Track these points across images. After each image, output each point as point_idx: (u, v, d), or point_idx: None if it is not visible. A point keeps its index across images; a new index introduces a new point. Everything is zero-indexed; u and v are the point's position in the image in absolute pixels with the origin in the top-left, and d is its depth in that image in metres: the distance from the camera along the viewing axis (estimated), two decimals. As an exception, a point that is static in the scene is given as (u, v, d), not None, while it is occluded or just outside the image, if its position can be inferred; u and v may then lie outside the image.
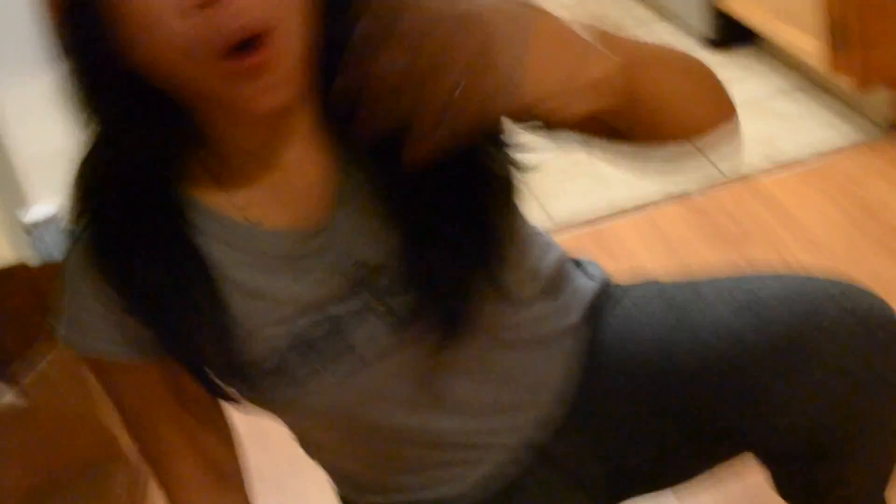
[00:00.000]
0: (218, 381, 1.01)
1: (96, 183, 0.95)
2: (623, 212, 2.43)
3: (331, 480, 1.23)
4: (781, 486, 1.16)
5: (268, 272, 0.97)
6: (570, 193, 2.52)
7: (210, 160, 0.96)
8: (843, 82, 2.44)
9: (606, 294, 1.20)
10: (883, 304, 1.03)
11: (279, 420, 1.10)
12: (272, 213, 0.97)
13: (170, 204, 0.96)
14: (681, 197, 2.43)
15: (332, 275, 0.98)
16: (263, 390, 1.01)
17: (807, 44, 2.49)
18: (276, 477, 1.85)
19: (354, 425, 1.06)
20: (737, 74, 2.84)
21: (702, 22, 3.01)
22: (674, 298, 1.14)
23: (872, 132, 2.50)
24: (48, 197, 2.57)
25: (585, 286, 1.19)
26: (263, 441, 1.63)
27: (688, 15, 3.13)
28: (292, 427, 1.16)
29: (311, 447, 1.18)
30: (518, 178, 0.99)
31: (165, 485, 1.09)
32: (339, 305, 0.98)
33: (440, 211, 0.94)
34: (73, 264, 0.98)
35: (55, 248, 2.09)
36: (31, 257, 1.97)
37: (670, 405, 1.10)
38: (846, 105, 2.62)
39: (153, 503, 1.91)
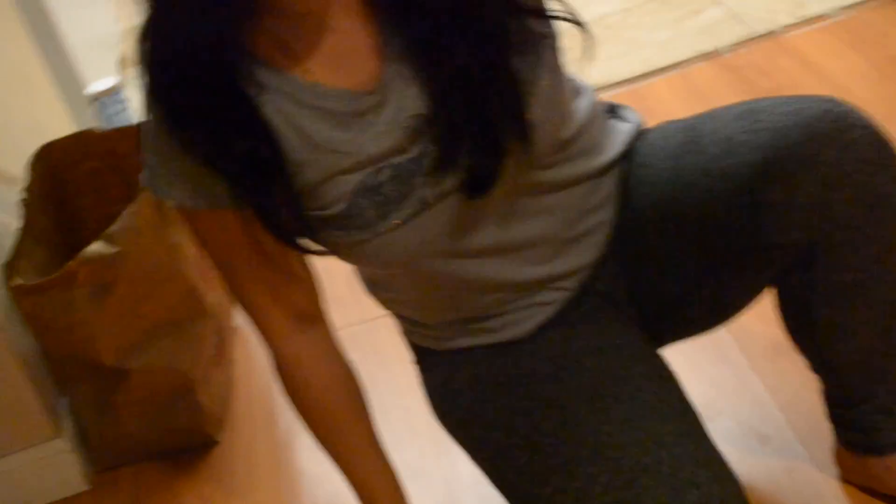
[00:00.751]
0: (289, 230, 1.07)
1: (163, 48, 1.00)
2: (657, 70, 2.51)
3: (398, 324, 1.32)
4: (789, 319, 1.24)
5: (334, 127, 1.05)
6: (604, 57, 2.60)
7: (272, 25, 1.03)
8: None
9: (640, 134, 1.27)
10: (869, 124, 1.09)
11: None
12: (332, 74, 1.05)
13: (234, 65, 1.02)
14: (712, 55, 2.50)
15: (392, 128, 1.05)
16: (334, 236, 1.08)
17: None
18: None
19: (420, 270, 1.14)
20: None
21: None
22: (688, 122, 1.22)
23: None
24: (104, 74, 2.65)
25: (620, 128, 1.26)
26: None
27: None
28: (362, 273, 1.26)
29: (380, 292, 1.27)
30: (552, 31, 1.08)
31: (257, 329, 1.17)
32: (401, 155, 1.06)
33: (473, 57, 1.02)
34: (150, 123, 1.05)
35: (117, 117, 2.16)
36: (96, 127, 2.06)
37: (689, 230, 1.17)
38: None
39: (234, 356, 2.03)
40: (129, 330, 1.71)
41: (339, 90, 1.05)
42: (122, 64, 3.20)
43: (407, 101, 1.05)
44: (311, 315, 1.18)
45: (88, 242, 1.65)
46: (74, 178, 1.93)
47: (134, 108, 2.21)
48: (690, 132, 1.19)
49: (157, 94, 1.02)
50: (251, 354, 2.04)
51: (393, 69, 1.05)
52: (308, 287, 1.18)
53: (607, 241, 1.23)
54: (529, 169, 1.11)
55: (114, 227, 1.66)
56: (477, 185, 1.06)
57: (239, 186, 1.05)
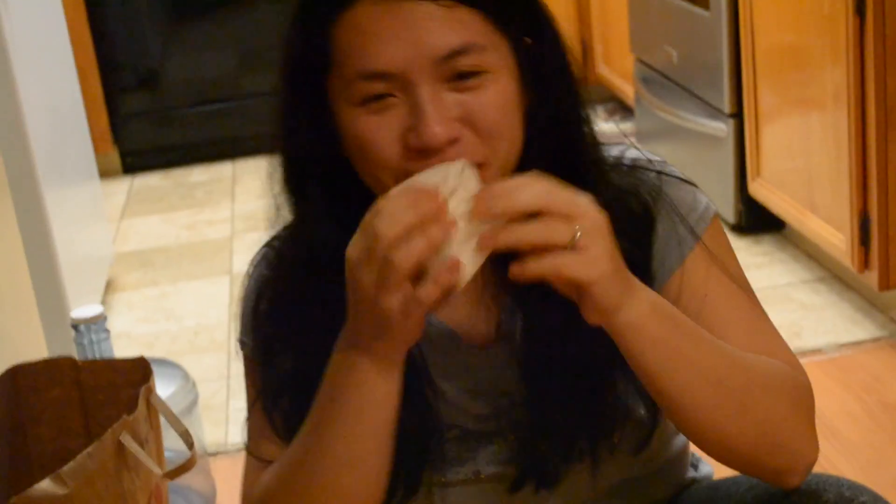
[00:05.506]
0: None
1: (295, 256, 1.09)
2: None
3: None
4: None
5: (437, 373, 1.09)
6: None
7: None
8: (867, 278, 2.52)
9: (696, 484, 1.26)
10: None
11: None
12: (451, 312, 1.09)
13: None
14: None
15: (479, 395, 1.09)
16: None
17: (833, 236, 2.58)
18: None
19: None
20: (761, 260, 2.92)
21: (730, 206, 3.10)
22: (715, 482, 1.23)
23: (894, 331, 2.56)
24: (89, 296, 2.62)
25: (685, 476, 1.26)
26: None
27: (717, 198, 3.23)
28: None
29: None
30: None
31: None
32: (477, 422, 1.09)
33: (583, 372, 1.05)
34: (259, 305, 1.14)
35: (95, 346, 2.12)
36: (75, 354, 2.00)
37: None
38: (869, 301, 2.69)
39: None
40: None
41: (455, 337, 1.09)
42: (109, 289, 3.18)
43: (503, 378, 1.09)
44: None
45: (38, 475, 1.57)
46: (37, 405, 1.86)
47: (113, 340, 2.17)
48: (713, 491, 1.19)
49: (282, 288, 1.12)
50: None
51: (504, 342, 1.09)
52: None
53: None
54: (590, 480, 1.12)
55: (67, 468, 1.58)
56: (536, 480, 1.09)
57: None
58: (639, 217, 1.08)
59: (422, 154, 0.98)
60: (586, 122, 1.08)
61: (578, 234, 0.90)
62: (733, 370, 1.00)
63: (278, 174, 1.10)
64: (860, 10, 2.34)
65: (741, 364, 1.01)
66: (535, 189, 0.91)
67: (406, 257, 0.90)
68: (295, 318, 1.09)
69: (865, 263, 2.48)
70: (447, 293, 0.91)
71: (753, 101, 2.92)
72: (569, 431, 1.08)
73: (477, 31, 1.00)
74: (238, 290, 1.21)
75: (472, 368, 1.10)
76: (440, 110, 0.98)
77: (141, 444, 1.55)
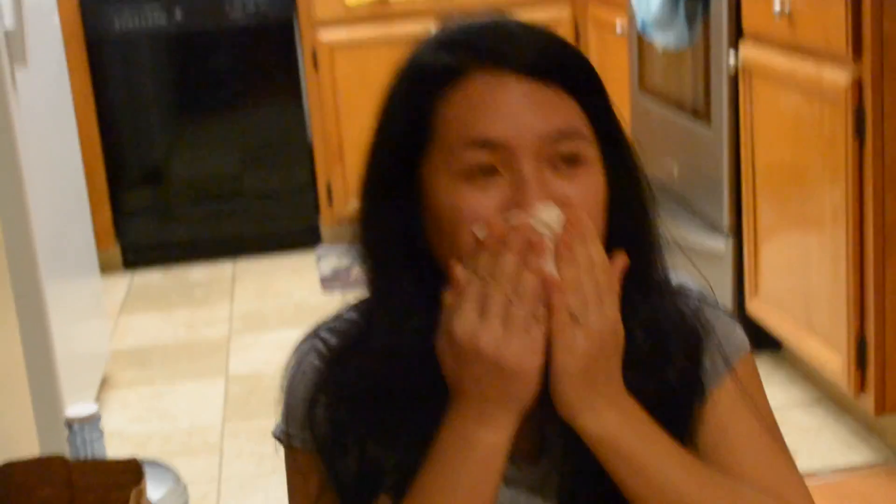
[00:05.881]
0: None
1: (372, 346, 1.08)
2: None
3: None
4: None
5: None
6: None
7: None
8: (863, 401, 2.51)
9: None
10: None
11: None
12: None
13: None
14: None
15: None
16: None
17: (830, 359, 2.57)
18: None
19: None
20: (758, 379, 2.91)
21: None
22: None
23: (890, 456, 2.55)
24: (86, 394, 2.61)
25: None
26: None
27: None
28: None
29: None
30: None
31: None
32: None
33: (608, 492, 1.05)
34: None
35: (89, 446, 2.11)
36: (67, 451, 1.99)
37: None
38: (865, 425, 2.67)
39: None
40: None
41: None
42: (104, 386, 3.17)
43: (542, 492, 1.10)
44: None
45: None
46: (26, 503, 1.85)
47: (106, 438, 2.16)
48: None
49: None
50: None
51: (545, 458, 1.10)
52: None
53: None
54: None
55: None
56: None
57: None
58: (690, 341, 1.10)
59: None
60: (657, 237, 1.11)
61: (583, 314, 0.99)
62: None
63: (360, 258, 1.11)
64: (860, 133, 2.37)
65: (718, 500, 1.04)
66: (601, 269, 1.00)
67: (525, 293, 0.97)
68: (380, 410, 1.07)
69: (862, 386, 2.48)
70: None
71: (752, 218, 2.94)
72: None
73: (577, 118, 1.04)
74: (281, 381, 1.17)
75: (511, 482, 1.09)
76: (543, 187, 1.01)
77: (130, 549, 1.54)
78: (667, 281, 1.12)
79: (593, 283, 0.99)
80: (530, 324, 0.98)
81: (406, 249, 1.07)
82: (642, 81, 3.60)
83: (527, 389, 1.00)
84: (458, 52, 1.04)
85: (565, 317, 0.98)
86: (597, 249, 1.01)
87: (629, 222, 1.08)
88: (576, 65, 1.06)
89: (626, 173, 1.09)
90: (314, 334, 1.16)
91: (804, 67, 2.58)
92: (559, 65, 1.04)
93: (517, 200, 1.01)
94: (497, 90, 1.02)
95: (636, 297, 1.06)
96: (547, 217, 1.00)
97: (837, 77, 2.42)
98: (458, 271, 1.00)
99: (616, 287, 1.01)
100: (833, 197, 2.49)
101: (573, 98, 1.04)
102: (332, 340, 1.13)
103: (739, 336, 1.15)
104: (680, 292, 1.14)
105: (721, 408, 1.09)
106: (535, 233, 0.99)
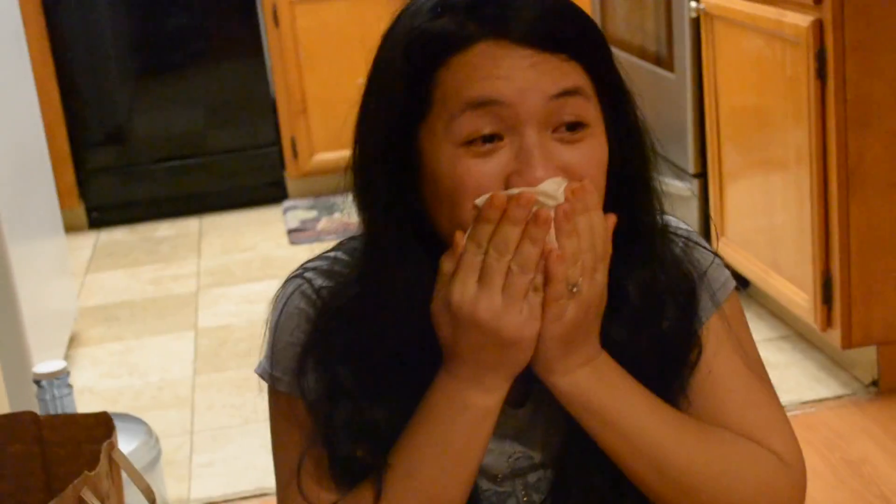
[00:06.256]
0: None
1: (361, 298, 1.06)
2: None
3: None
4: None
5: None
6: None
7: None
8: (830, 336, 2.54)
9: None
10: None
11: None
12: None
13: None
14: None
15: (500, 455, 1.10)
16: None
17: (797, 296, 2.60)
18: None
19: None
20: (725, 319, 2.93)
21: (695, 266, 3.12)
22: None
23: (857, 388, 2.59)
24: (52, 351, 2.59)
25: None
26: None
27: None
28: None
29: None
30: None
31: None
32: (492, 482, 1.10)
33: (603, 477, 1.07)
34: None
35: (58, 401, 2.10)
36: (37, 409, 1.98)
37: None
38: (832, 359, 2.71)
39: None
40: None
41: None
42: (73, 343, 3.16)
43: (527, 439, 1.10)
44: None
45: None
46: (-3, 460, 1.84)
47: (77, 395, 2.15)
48: None
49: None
50: None
51: (530, 407, 1.10)
52: None
53: None
54: None
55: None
56: None
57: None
58: (683, 288, 1.10)
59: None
60: (655, 188, 1.11)
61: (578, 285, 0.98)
62: (679, 455, 1.04)
63: (356, 210, 1.08)
64: (822, 74, 2.38)
65: (695, 449, 1.05)
66: (601, 239, 1.00)
67: (526, 263, 0.97)
68: (371, 366, 1.06)
69: (828, 322, 2.50)
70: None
71: (717, 161, 2.95)
72: (590, 496, 1.08)
73: (582, 80, 1.02)
74: (266, 323, 1.15)
75: (498, 425, 1.07)
76: (546, 156, 0.99)
77: (102, 500, 1.54)
78: (662, 228, 1.11)
79: (592, 255, 0.99)
80: (529, 294, 0.98)
81: (402, 212, 1.05)
82: (605, 29, 3.59)
83: (523, 356, 1.00)
84: (462, 20, 1.01)
85: (563, 287, 0.98)
86: (598, 218, 1.00)
87: (630, 175, 1.08)
88: (581, 32, 1.04)
89: (629, 130, 1.08)
90: (300, 273, 1.13)
91: (766, 11, 2.58)
92: (564, 34, 1.02)
93: (520, 170, 0.99)
94: (500, 56, 1.00)
95: (631, 252, 1.06)
96: (551, 189, 0.98)
97: (798, 20, 2.42)
98: (458, 237, 0.99)
99: (609, 251, 1.01)
100: (796, 138, 2.50)
101: (577, 62, 1.02)
102: (319, 281, 1.11)
103: (725, 274, 1.15)
104: (669, 234, 1.13)
105: (707, 347, 1.10)
106: (541, 205, 0.98)
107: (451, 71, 1.00)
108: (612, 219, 1.01)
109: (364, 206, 1.07)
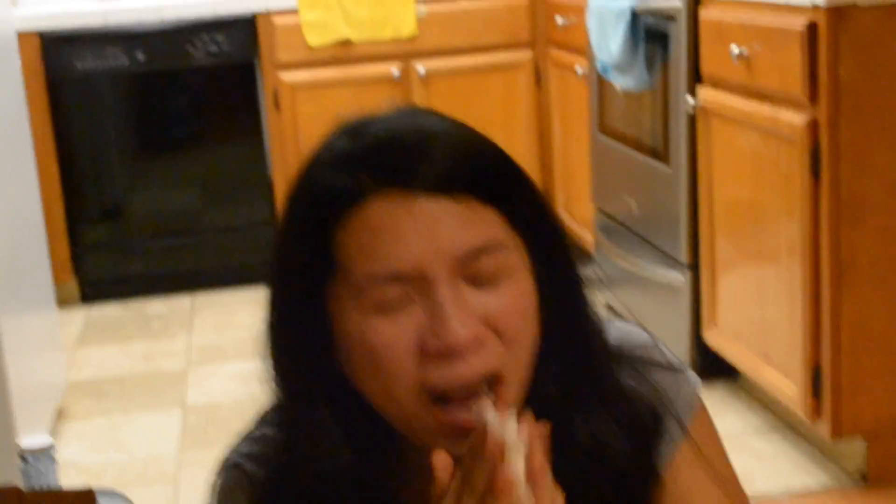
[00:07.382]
0: None
1: (298, 487, 1.00)
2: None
3: None
4: None
5: None
6: None
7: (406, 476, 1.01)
8: (819, 428, 2.53)
9: None
10: None
11: None
12: None
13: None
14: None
15: None
16: None
17: (786, 387, 2.60)
18: None
19: None
20: (714, 408, 2.91)
21: (685, 354, 3.12)
22: None
23: (845, 481, 2.57)
24: (41, 426, 2.58)
25: None
26: None
27: (672, 345, 3.24)
28: None
29: None
30: None
31: None
32: None
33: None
34: None
35: (42, 477, 2.09)
36: (21, 483, 1.97)
37: None
38: (821, 451, 2.70)
39: None
40: None
41: None
42: (60, 417, 3.14)
43: None
44: None
45: None
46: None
47: (62, 469, 2.14)
48: None
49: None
50: None
51: None
52: None
53: None
54: None
55: None
56: None
57: None
58: (646, 422, 1.05)
59: (442, 359, 0.91)
60: (593, 316, 1.03)
61: None
62: None
63: (272, 392, 1.02)
64: (815, 171, 2.41)
65: None
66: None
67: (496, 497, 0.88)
68: None
69: (817, 413, 2.50)
70: None
71: (710, 252, 2.97)
72: None
73: (497, 229, 0.94)
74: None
75: None
76: (463, 309, 0.92)
77: (84, 574, 1.52)
78: (607, 359, 1.04)
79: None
80: None
81: (321, 376, 0.98)
82: (602, 121, 3.63)
83: None
84: (355, 174, 0.93)
85: None
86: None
87: (563, 317, 1.00)
88: (491, 172, 0.95)
89: (559, 268, 1.00)
90: (233, 464, 1.08)
91: (761, 109, 2.62)
92: (471, 177, 0.93)
93: (435, 330, 0.91)
94: (400, 214, 0.91)
95: (577, 392, 1.00)
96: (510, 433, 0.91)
97: (794, 118, 2.46)
98: (441, 472, 0.91)
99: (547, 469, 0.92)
100: (789, 232, 2.52)
101: (491, 206, 0.94)
102: (252, 468, 1.06)
103: (690, 389, 1.10)
104: (626, 358, 1.06)
105: (680, 476, 1.05)
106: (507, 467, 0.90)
107: (349, 232, 0.93)
108: (543, 429, 0.93)
109: (279, 368, 1.01)
